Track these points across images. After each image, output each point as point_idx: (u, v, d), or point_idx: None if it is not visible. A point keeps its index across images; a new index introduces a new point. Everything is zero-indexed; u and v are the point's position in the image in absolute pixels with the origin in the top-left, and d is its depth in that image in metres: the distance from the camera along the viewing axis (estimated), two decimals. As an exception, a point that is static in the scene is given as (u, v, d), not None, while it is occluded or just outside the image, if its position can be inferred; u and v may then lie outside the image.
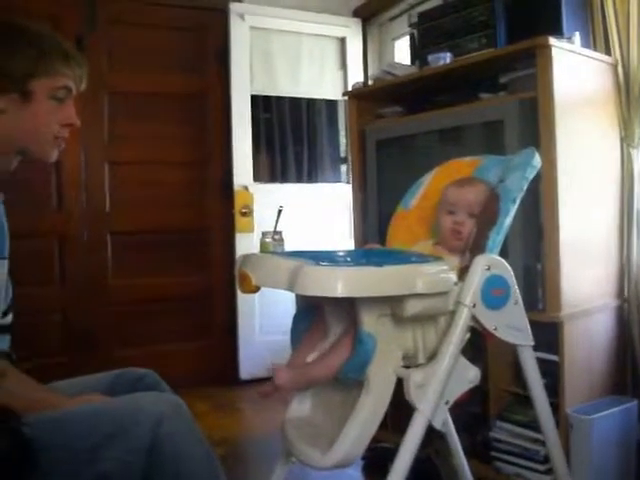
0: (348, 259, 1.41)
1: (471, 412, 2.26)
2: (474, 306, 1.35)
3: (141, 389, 1.39)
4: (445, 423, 1.67)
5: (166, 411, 1.17)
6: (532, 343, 1.48)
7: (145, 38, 3.50)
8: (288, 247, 1.51)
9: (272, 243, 1.47)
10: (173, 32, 3.61)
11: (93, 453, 1.12)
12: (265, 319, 3.67)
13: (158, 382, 1.50)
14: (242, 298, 3.56)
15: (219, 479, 1.24)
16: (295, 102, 4.04)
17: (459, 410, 1.63)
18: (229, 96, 3.61)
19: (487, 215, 1.46)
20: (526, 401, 1.69)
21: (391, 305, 1.27)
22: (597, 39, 2.32)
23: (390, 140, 2.66)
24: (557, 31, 2.15)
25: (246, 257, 1.38)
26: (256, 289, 1.35)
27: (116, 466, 1.12)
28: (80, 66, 1.31)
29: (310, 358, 1.40)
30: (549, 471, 1.99)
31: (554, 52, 2.02)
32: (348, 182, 3.74)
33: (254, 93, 3.71)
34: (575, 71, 2.13)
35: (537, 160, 1.51)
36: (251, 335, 3.68)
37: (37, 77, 1.23)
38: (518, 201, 1.48)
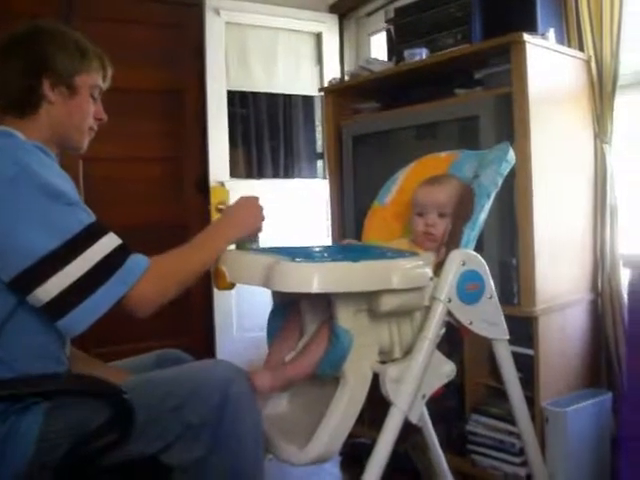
0: (324, 255, 1.41)
1: (447, 405, 2.28)
2: (449, 301, 1.35)
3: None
4: (421, 417, 1.68)
5: (235, 376, 1.30)
6: (507, 337, 1.49)
7: (120, 34, 3.43)
8: (264, 243, 1.50)
9: (247, 239, 1.46)
10: (149, 28, 3.55)
11: (177, 411, 1.24)
12: (242, 316, 3.64)
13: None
14: (219, 295, 3.54)
15: (259, 447, 1.31)
16: (271, 98, 4.00)
17: (435, 404, 1.64)
18: (205, 92, 3.58)
19: (462, 210, 1.47)
20: (502, 394, 1.70)
21: (367, 300, 1.27)
22: (571, 35, 2.33)
23: (366, 136, 2.66)
24: (532, 27, 2.16)
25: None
26: (231, 286, 1.35)
27: (197, 421, 1.25)
28: (109, 67, 1.50)
29: (286, 355, 1.40)
30: (524, 463, 2.00)
31: (528, 48, 2.03)
32: (325, 178, 3.73)
33: (230, 89, 3.67)
34: (549, 67, 2.14)
35: (511, 155, 1.52)
36: (229, 332, 3.66)
37: (80, 74, 1.40)
38: (492, 196, 1.49)
